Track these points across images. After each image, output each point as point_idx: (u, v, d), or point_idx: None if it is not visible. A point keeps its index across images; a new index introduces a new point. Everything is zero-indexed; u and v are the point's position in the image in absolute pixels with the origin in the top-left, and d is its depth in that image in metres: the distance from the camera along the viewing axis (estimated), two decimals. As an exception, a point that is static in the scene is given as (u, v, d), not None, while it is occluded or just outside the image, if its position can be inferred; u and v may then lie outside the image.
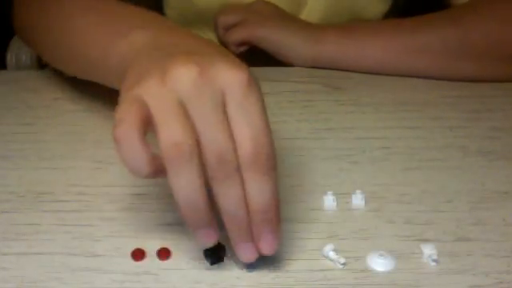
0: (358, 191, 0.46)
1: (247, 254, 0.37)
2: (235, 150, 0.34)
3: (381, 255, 0.40)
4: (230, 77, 0.33)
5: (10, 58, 0.78)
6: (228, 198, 0.35)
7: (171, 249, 0.41)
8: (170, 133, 0.33)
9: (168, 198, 0.47)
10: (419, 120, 0.57)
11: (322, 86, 0.63)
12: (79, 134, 0.55)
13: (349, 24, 0.68)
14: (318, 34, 0.66)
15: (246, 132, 0.34)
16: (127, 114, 0.34)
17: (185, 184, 0.34)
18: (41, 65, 0.76)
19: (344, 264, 0.40)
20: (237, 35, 0.68)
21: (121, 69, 0.39)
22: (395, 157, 0.52)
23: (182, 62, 0.34)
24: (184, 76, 0.33)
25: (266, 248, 0.37)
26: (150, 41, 0.40)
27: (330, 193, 0.46)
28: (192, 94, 0.33)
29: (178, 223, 0.44)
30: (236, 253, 0.38)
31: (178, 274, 0.40)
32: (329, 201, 0.46)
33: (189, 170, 0.33)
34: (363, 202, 0.46)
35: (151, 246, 0.42)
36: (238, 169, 0.34)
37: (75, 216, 0.45)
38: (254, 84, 0.34)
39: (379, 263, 0.40)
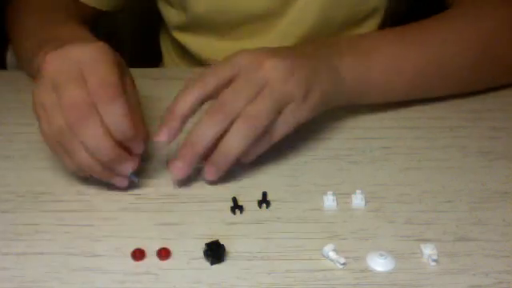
0: (358, 191, 0.46)
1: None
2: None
3: (381, 255, 0.40)
4: (84, 53, 0.44)
5: (10, 57, 0.78)
6: (88, 137, 0.42)
7: (171, 249, 0.41)
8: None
9: (168, 199, 0.47)
10: (419, 120, 0.57)
11: (322, 86, 0.63)
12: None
13: (365, 49, 0.55)
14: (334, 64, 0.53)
15: (91, 80, 0.43)
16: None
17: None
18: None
19: (344, 264, 0.40)
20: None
21: None
22: (395, 157, 0.52)
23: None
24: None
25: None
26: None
27: (329, 193, 0.46)
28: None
29: (178, 223, 0.44)
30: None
31: (178, 274, 0.40)
32: (329, 201, 0.46)
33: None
34: (363, 202, 0.46)
35: (151, 246, 0.42)
36: (91, 109, 0.42)
37: (75, 216, 0.45)
38: (102, 55, 0.44)
39: (379, 263, 0.40)
